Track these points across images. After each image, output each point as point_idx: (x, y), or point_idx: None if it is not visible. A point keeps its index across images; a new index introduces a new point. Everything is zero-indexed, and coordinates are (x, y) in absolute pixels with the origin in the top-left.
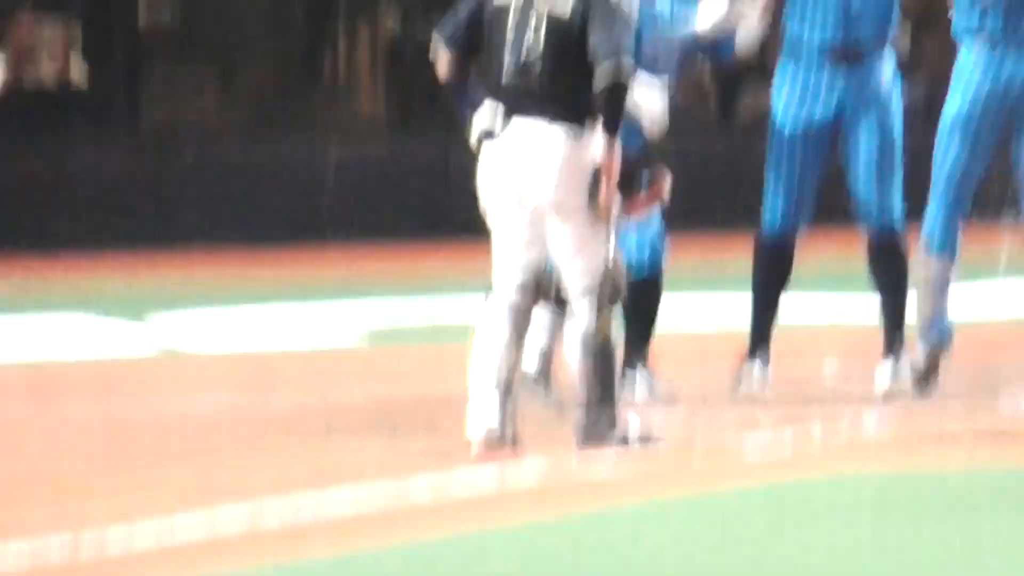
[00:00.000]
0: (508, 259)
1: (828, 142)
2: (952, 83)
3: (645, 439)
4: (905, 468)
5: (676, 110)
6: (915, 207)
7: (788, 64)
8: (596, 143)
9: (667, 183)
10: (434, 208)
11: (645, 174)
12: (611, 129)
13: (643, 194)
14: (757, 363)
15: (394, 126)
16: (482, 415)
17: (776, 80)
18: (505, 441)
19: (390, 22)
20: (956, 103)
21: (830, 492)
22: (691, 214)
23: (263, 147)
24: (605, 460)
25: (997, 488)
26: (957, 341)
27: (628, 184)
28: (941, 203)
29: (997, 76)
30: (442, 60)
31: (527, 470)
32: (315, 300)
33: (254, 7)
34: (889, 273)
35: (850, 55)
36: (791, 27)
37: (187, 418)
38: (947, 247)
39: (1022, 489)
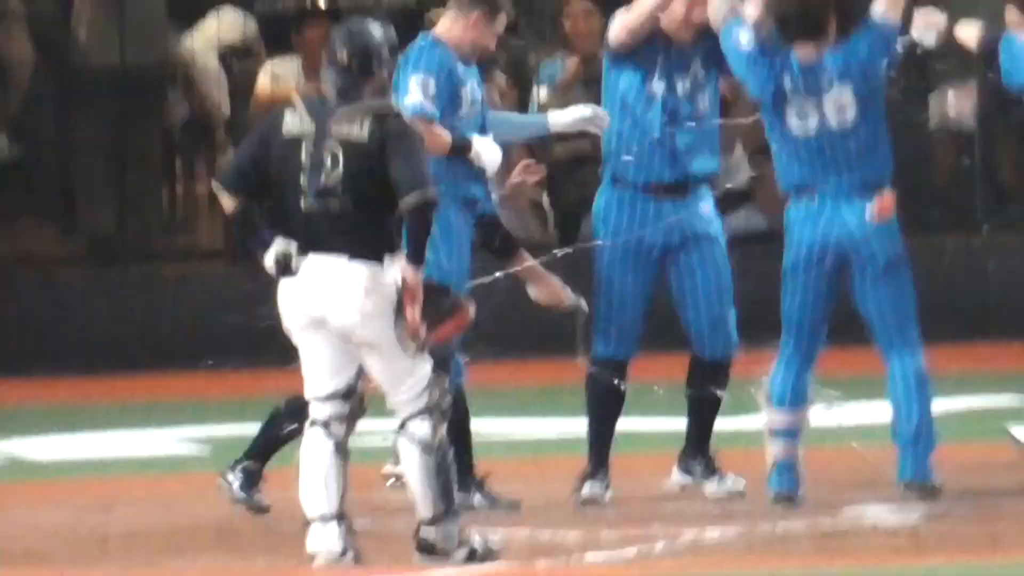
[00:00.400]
0: (318, 383)
1: (656, 272)
2: (785, 235)
3: (488, 554)
4: (749, 570)
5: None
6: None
7: (613, 197)
8: (398, 269)
9: (471, 310)
10: (273, 332)
11: (448, 301)
12: (416, 252)
13: (448, 321)
14: (596, 483)
15: (232, 257)
16: (322, 540)
17: (600, 211)
18: (347, 560)
19: (228, 156)
20: (788, 255)
21: None
22: (532, 338)
23: (102, 277)
24: (447, 565)
25: None
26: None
27: (432, 311)
28: (787, 356)
29: (816, 228)
30: (225, 203)
31: None
32: (156, 425)
33: (94, 142)
34: (709, 399)
35: (677, 190)
36: (616, 163)
37: (27, 538)
38: (794, 401)
39: None
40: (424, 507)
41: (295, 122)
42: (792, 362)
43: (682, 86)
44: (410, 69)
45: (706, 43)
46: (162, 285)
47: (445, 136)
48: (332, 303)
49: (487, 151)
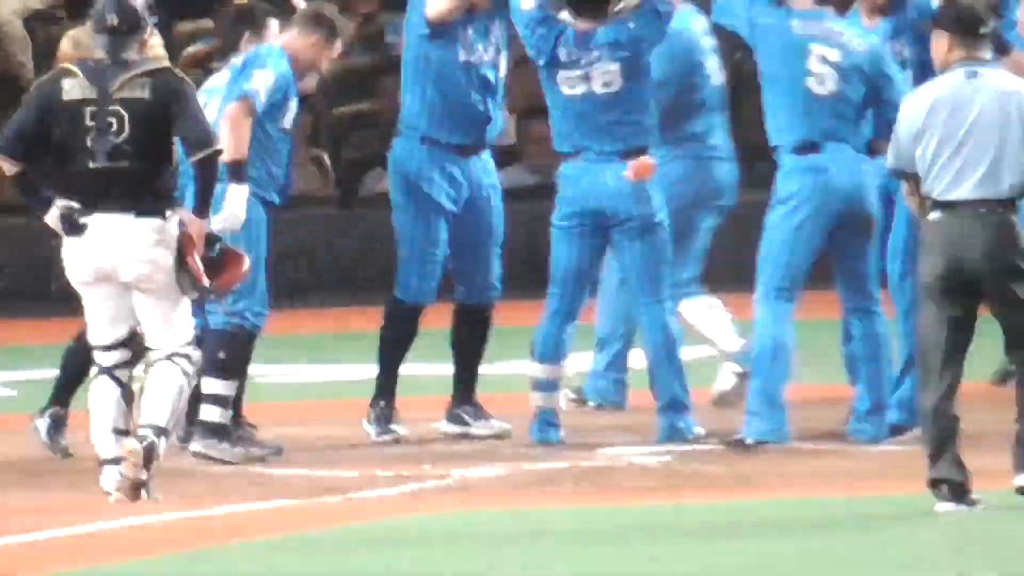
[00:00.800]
0: (102, 333)
1: (450, 221)
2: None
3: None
4: (513, 506)
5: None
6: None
7: (423, 155)
8: (176, 221)
9: (246, 260)
10: (39, 279)
11: (220, 253)
12: (204, 203)
13: (227, 269)
14: (382, 420)
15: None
16: (115, 479)
17: (412, 168)
18: (140, 497)
19: None
20: (556, 213)
21: (443, 527)
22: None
23: None
24: (230, 503)
25: (595, 522)
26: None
27: (210, 260)
28: (551, 310)
29: (580, 187)
30: (6, 167)
31: (162, 520)
32: None
33: None
34: (477, 342)
35: (478, 149)
36: (426, 126)
37: None
38: (556, 354)
39: (614, 522)
40: (161, 417)
41: (75, 88)
42: (556, 317)
43: (488, 53)
44: (259, 63)
45: (502, 9)
46: None
47: (244, 143)
48: (124, 258)
49: (235, 202)
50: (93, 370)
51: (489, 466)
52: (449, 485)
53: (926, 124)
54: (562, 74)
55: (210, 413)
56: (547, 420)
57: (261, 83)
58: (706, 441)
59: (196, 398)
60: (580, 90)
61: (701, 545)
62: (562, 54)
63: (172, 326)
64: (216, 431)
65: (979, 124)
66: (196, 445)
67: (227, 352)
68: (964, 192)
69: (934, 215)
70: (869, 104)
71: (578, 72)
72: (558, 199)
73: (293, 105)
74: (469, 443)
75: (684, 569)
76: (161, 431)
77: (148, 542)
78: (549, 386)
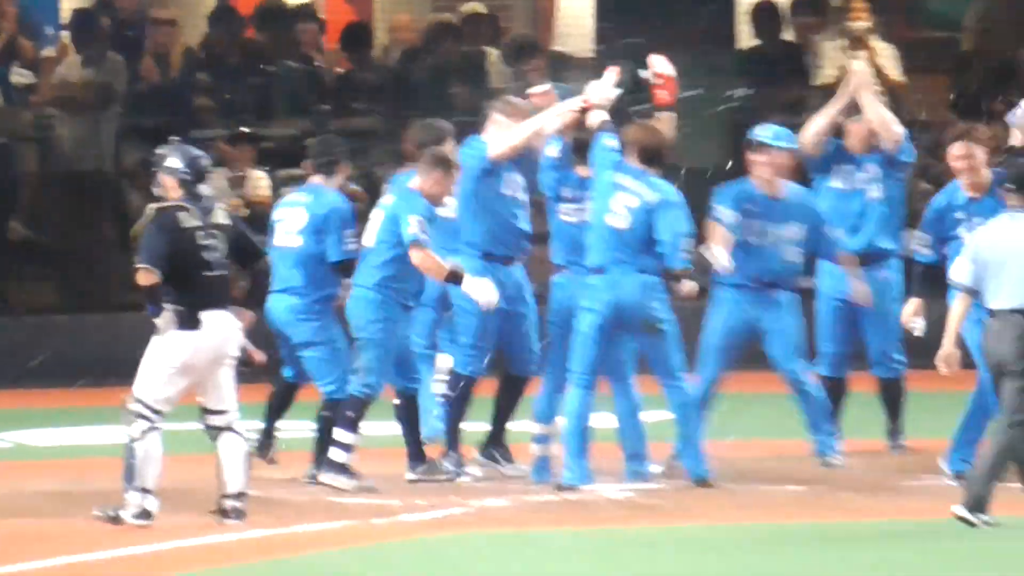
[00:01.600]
0: (170, 399)
1: (501, 314)
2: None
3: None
4: (518, 529)
5: None
6: None
7: (481, 263)
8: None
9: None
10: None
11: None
12: (254, 297)
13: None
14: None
15: None
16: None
17: (470, 274)
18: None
19: None
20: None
21: (466, 543)
22: None
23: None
24: (306, 522)
25: (580, 540)
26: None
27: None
28: (546, 384)
29: (565, 293)
30: (150, 278)
31: (253, 535)
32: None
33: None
34: (514, 402)
35: (515, 260)
36: (481, 243)
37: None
38: (550, 416)
39: (594, 540)
40: (241, 483)
41: (190, 218)
42: (547, 388)
43: (520, 186)
44: (409, 208)
45: (529, 154)
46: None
47: (440, 266)
48: (231, 340)
49: (481, 286)
50: (143, 424)
51: (500, 498)
52: (469, 512)
53: (987, 254)
54: (563, 207)
55: (338, 455)
56: (543, 465)
57: (419, 226)
58: (659, 480)
59: (327, 441)
60: (575, 219)
61: (656, 555)
62: (565, 192)
63: (235, 393)
64: (341, 468)
65: (1012, 254)
66: (325, 477)
67: (356, 412)
68: (1001, 303)
69: (989, 321)
70: (653, 237)
71: (576, 206)
72: (552, 300)
73: (430, 231)
74: (484, 481)
75: (641, 570)
76: (243, 495)
77: (244, 550)
78: (545, 439)
